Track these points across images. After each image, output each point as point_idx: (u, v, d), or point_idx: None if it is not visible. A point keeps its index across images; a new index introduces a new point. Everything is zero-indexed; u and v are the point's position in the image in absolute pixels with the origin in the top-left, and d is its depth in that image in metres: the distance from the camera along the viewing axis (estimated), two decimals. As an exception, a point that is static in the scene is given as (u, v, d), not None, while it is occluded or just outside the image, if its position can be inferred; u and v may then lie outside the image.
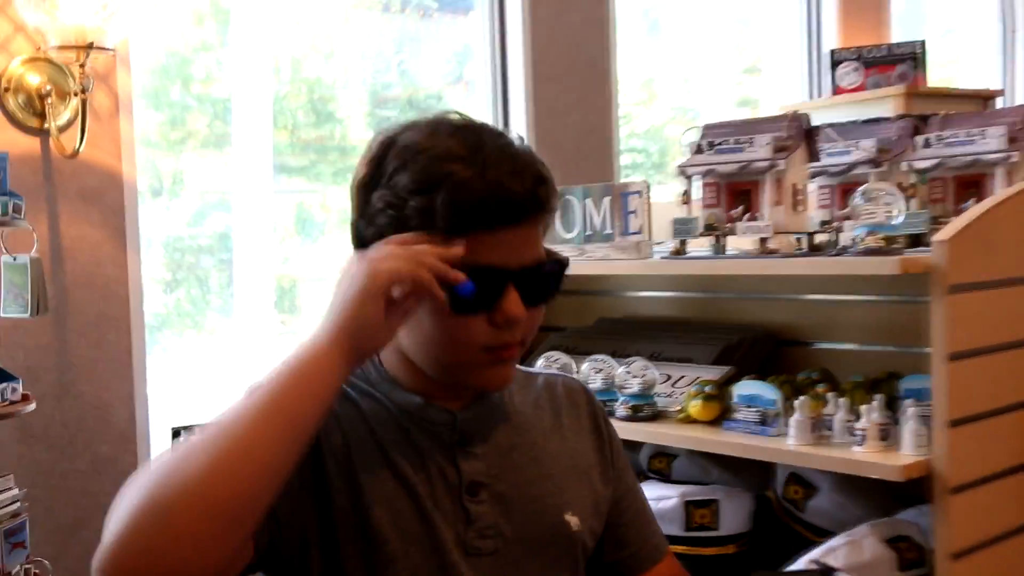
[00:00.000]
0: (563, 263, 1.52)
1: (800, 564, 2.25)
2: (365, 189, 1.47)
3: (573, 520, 1.62)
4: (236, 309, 4.92)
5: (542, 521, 1.58)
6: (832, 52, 5.05)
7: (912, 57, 4.73)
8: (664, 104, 6.48)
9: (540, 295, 1.48)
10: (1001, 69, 6.96)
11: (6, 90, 3.28)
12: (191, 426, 3.76)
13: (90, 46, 3.18)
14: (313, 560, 1.45)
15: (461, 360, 1.47)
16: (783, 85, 5.96)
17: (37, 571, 2.93)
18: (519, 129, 4.57)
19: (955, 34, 7.37)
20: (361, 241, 1.47)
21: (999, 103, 5.29)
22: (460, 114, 1.51)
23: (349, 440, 1.48)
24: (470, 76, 4.78)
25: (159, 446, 3.64)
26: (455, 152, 1.40)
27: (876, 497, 2.41)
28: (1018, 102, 6.78)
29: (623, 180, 3.88)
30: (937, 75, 6.58)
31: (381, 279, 1.31)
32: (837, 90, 4.88)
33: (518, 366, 1.66)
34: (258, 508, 1.25)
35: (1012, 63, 6.96)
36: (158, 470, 1.23)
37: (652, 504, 2.49)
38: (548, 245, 1.52)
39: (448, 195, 1.37)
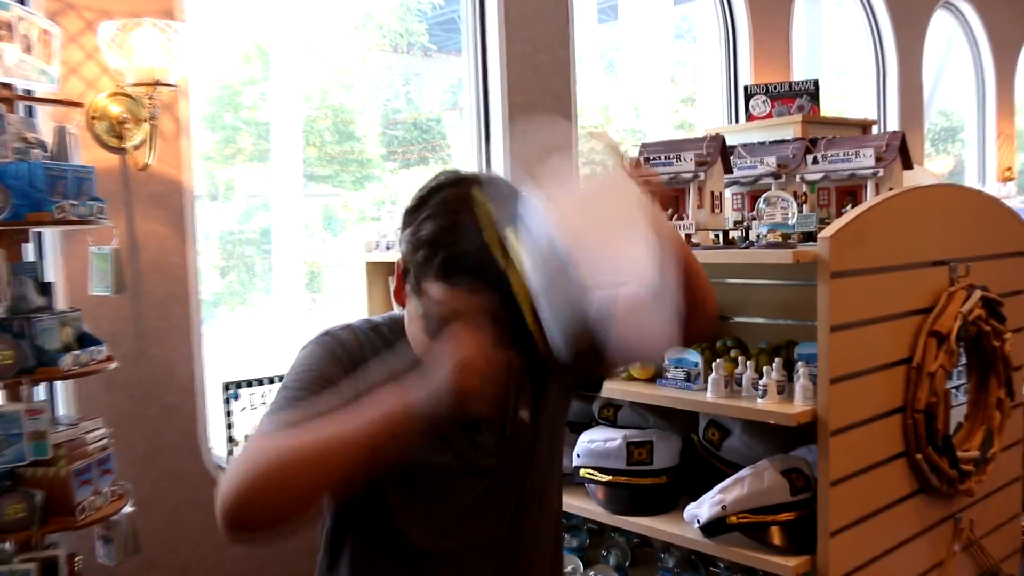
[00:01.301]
0: None
1: (708, 496, 2.28)
2: (408, 216, 1.50)
3: (524, 413, 1.64)
4: (275, 289, 4.95)
5: (524, 446, 1.62)
6: (746, 87, 5.05)
7: (809, 92, 4.75)
8: (618, 126, 6.51)
9: None
10: (876, 103, 7.03)
11: (94, 118, 3.28)
12: (239, 381, 3.73)
13: (157, 83, 3.20)
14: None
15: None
16: (710, 112, 5.98)
17: (121, 492, 2.95)
18: (497, 146, 4.60)
19: (845, 74, 7.42)
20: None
21: (875, 130, 5.32)
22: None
23: None
24: (463, 103, 4.79)
25: (213, 395, 3.68)
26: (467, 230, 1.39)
27: (776, 438, 2.45)
28: (891, 127, 6.85)
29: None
30: (833, 106, 6.64)
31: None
32: (750, 117, 4.88)
33: None
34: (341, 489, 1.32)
35: (883, 98, 7.03)
36: (271, 458, 1.27)
37: (600, 444, 2.53)
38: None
39: (444, 259, 1.39)
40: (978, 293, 2.38)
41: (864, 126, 4.85)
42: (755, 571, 2.57)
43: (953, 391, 2.42)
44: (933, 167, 7.70)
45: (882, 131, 6.71)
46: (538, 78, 4.70)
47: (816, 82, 4.81)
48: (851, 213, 2.13)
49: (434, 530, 1.56)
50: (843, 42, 7.30)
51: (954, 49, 8.09)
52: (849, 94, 7.34)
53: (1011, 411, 2.60)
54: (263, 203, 4.92)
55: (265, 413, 1.47)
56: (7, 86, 2.78)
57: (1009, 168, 8.07)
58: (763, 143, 2.91)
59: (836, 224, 2.08)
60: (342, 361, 1.51)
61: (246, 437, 3.78)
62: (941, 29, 7.71)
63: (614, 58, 6.88)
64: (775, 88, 4.83)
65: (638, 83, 6.62)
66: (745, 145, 2.80)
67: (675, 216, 2.47)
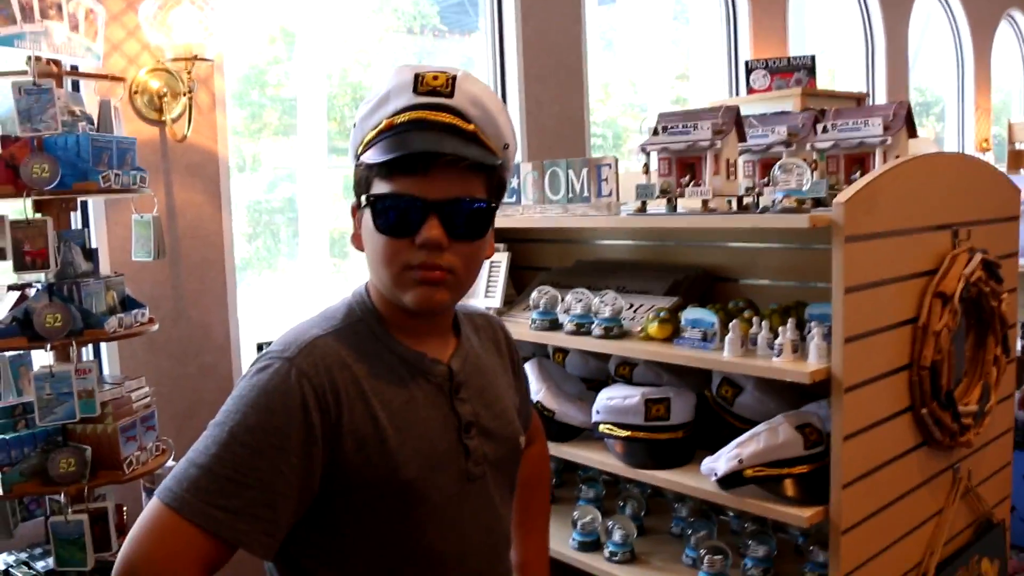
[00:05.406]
0: (486, 203, 1.33)
1: (725, 451, 2.22)
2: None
3: (522, 440, 1.55)
4: (300, 255, 4.91)
5: (508, 444, 1.48)
6: (747, 62, 4.98)
7: (806, 67, 4.67)
8: (617, 102, 6.45)
9: (463, 229, 1.30)
10: (864, 78, 6.98)
11: (135, 93, 3.23)
12: (270, 342, 3.73)
13: (195, 58, 3.15)
14: (338, 511, 1.32)
15: (393, 275, 1.31)
16: (704, 88, 5.92)
17: (164, 446, 2.92)
18: (513, 117, 4.54)
19: (827, 52, 7.38)
20: None
21: (868, 103, 5.27)
22: None
23: (364, 410, 1.32)
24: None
25: (247, 355, 3.63)
26: None
27: (786, 394, 2.39)
28: (879, 101, 6.80)
29: (597, 155, 3.84)
30: (821, 81, 6.55)
31: None
32: (750, 91, 4.81)
33: (464, 307, 1.56)
34: None
35: (872, 73, 6.98)
36: None
37: (619, 400, 2.47)
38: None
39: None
40: (979, 256, 2.31)
41: (858, 99, 4.79)
42: (763, 520, 2.54)
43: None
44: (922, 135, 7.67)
45: (872, 102, 6.66)
46: (551, 54, 4.63)
47: (813, 57, 4.74)
48: (863, 179, 2.05)
49: (440, 533, 1.37)
50: (825, 22, 7.25)
51: (931, 29, 8.03)
52: (835, 70, 7.29)
53: (1006, 367, 2.55)
54: (288, 174, 4.89)
55: (187, 460, 1.29)
56: (56, 63, 2.72)
57: (986, 139, 8.01)
58: (776, 113, 2.83)
59: (850, 190, 2.01)
60: (296, 405, 1.30)
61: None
62: (921, 9, 7.66)
63: (613, 38, 6.81)
64: (774, 63, 4.75)
65: (636, 60, 6.55)
66: (756, 116, 2.72)
67: (692, 182, 2.40)
